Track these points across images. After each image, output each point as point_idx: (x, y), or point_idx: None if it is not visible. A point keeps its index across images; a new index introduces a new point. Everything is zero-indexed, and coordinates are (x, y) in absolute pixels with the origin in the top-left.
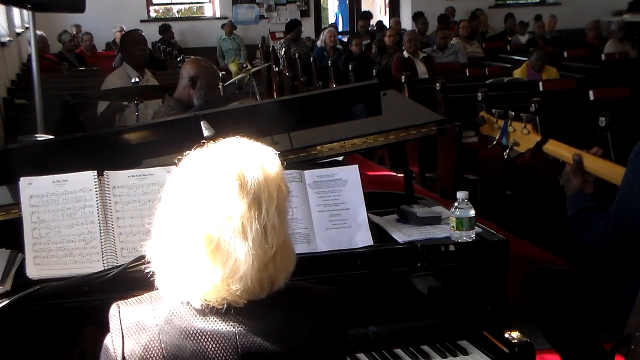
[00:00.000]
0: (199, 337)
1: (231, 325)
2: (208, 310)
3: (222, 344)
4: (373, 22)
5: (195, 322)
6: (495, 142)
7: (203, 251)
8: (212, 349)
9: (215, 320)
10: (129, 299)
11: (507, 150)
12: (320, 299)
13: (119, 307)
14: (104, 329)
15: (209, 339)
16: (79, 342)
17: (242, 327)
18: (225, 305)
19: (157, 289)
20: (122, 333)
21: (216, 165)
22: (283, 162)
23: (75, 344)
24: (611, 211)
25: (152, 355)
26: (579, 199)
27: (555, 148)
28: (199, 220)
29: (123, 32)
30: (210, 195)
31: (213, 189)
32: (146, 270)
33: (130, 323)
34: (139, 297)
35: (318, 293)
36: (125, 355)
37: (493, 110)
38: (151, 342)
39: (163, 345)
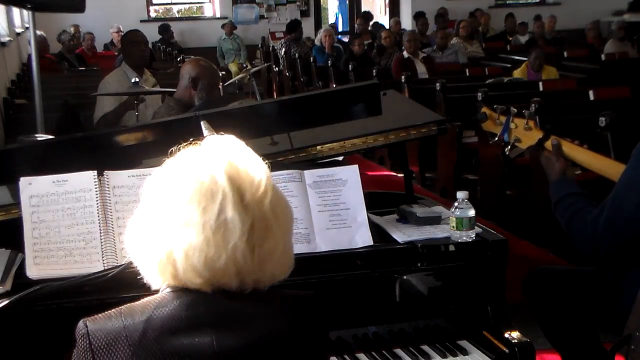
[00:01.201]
0: (175, 357)
1: (208, 341)
2: (185, 326)
3: None
4: (372, 22)
5: (170, 341)
6: (497, 139)
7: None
8: None
9: (192, 338)
10: (97, 315)
11: (508, 147)
12: (301, 306)
13: (86, 326)
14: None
15: (187, 358)
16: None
17: (219, 343)
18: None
19: (150, 286)
20: (93, 354)
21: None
22: (279, 162)
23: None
24: (605, 203)
25: None
26: (565, 184)
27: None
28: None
29: (120, 33)
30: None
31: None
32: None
33: (101, 343)
34: (107, 313)
35: (298, 299)
36: None
37: (495, 106)
38: None
39: None
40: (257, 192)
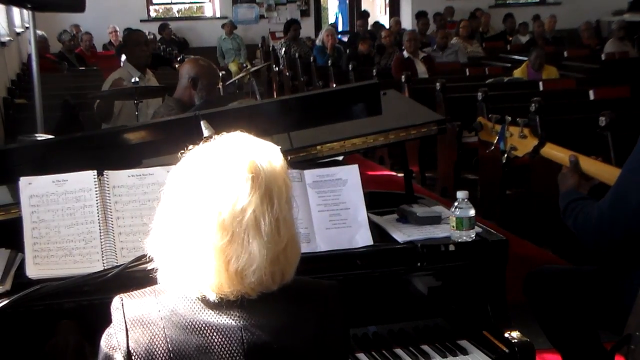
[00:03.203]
0: (205, 331)
1: (237, 319)
2: (215, 304)
3: (227, 338)
4: (370, 21)
5: (200, 316)
6: (493, 147)
7: (217, 244)
8: (218, 343)
9: (221, 315)
10: (131, 292)
11: (505, 156)
12: (324, 294)
13: (122, 300)
14: (89, 323)
15: (215, 333)
16: (57, 334)
17: (247, 322)
18: (239, 298)
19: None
20: (126, 326)
21: (227, 158)
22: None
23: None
24: (608, 194)
25: (157, 349)
26: (572, 193)
27: (553, 151)
28: (212, 214)
29: (115, 33)
30: (222, 188)
31: (225, 182)
32: (148, 269)
33: (134, 316)
34: (142, 290)
35: (322, 288)
36: (130, 348)
37: (490, 116)
38: (156, 336)
39: (168, 339)
40: (282, 191)
